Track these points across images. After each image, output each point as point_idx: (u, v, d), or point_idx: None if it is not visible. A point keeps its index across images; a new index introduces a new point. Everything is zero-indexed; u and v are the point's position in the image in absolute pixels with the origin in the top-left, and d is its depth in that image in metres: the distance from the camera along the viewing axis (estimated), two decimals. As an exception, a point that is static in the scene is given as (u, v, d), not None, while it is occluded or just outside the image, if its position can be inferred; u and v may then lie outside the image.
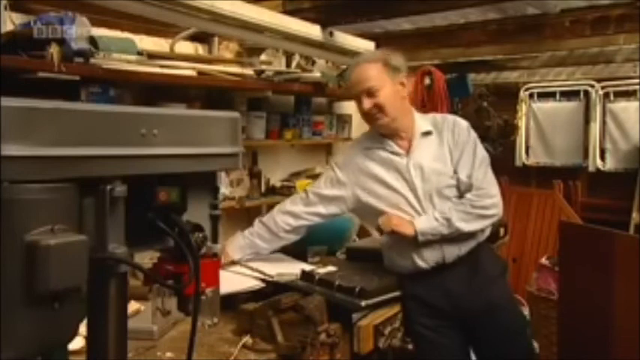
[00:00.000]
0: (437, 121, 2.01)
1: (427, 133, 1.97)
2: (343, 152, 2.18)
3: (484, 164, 1.98)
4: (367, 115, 1.95)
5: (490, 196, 1.94)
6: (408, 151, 1.96)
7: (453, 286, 1.92)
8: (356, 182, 2.00)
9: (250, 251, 2.08)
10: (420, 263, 1.93)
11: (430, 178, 1.92)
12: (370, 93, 1.90)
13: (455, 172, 1.93)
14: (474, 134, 2.01)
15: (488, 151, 4.02)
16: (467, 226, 1.89)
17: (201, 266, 0.89)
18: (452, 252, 1.93)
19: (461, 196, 1.93)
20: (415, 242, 1.90)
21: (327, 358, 1.70)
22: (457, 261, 1.93)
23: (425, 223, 1.89)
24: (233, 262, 2.08)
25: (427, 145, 1.97)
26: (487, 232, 2.04)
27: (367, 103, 1.91)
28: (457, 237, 1.92)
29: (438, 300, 1.92)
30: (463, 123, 2.02)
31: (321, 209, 2.05)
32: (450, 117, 2.05)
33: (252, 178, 2.82)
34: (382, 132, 1.99)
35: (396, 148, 1.97)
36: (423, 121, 2.01)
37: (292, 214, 2.07)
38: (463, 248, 1.94)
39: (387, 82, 1.91)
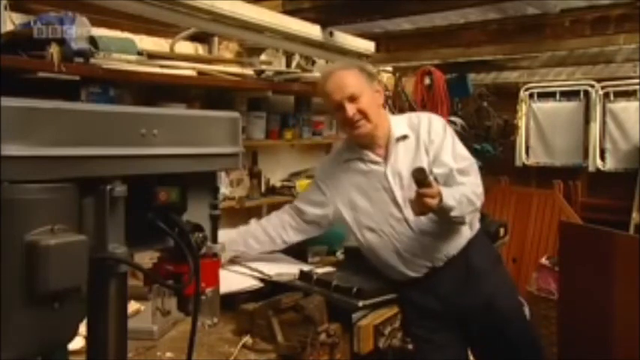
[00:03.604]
0: (412, 122, 1.96)
1: (403, 137, 1.93)
2: (323, 165, 2.14)
3: (467, 159, 1.93)
4: (349, 123, 1.88)
5: (479, 185, 1.90)
6: (385, 158, 1.93)
7: (446, 289, 1.90)
8: (339, 199, 1.99)
9: (240, 248, 2.07)
10: (409, 273, 1.92)
11: (410, 184, 1.85)
12: (352, 99, 1.85)
13: (431, 171, 1.86)
14: (450, 131, 1.96)
15: (488, 151, 4.07)
16: (458, 211, 1.78)
17: (201, 266, 0.89)
18: (440, 256, 1.90)
19: None
20: (399, 256, 1.89)
21: (327, 358, 1.70)
22: (449, 262, 1.91)
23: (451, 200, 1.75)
24: (233, 262, 2.08)
25: (404, 149, 1.92)
26: (476, 228, 1.99)
27: (351, 109, 1.85)
28: (443, 238, 1.89)
29: (432, 303, 1.91)
30: (439, 121, 1.97)
31: (317, 228, 2.08)
32: (425, 116, 1.99)
33: (252, 178, 2.82)
34: (359, 142, 1.95)
35: (373, 157, 1.94)
36: (398, 125, 1.96)
37: (293, 227, 2.08)
38: (452, 249, 1.91)
39: (366, 89, 1.88)
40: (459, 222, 1.85)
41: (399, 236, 1.89)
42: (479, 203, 1.89)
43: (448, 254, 1.91)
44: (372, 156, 1.95)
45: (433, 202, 1.66)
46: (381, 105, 1.95)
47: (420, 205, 1.68)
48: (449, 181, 1.87)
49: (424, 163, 1.87)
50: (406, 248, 1.90)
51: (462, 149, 1.96)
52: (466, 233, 1.94)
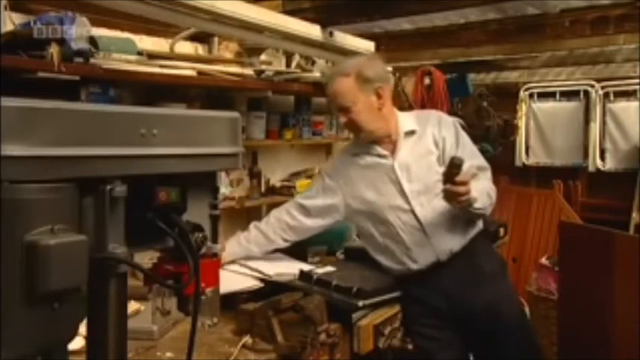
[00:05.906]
0: (420, 118, 2.03)
1: (411, 132, 1.98)
2: (333, 160, 2.23)
3: (479, 157, 2.01)
4: (346, 128, 2.00)
5: (491, 180, 1.98)
6: (393, 152, 1.97)
7: (449, 286, 1.91)
8: (347, 190, 2.02)
9: (243, 257, 2.10)
10: (413, 265, 1.93)
11: (418, 176, 1.92)
12: (343, 110, 1.92)
13: (443, 161, 1.90)
14: (460, 129, 2.01)
15: (488, 151, 4.07)
16: (480, 203, 1.82)
17: (201, 266, 0.89)
18: (444, 249, 1.91)
19: None
20: (405, 247, 1.91)
21: (327, 358, 1.70)
22: (452, 258, 1.92)
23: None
24: (232, 262, 2.08)
25: (412, 143, 1.97)
26: (479, 226, 2.01)
27: (342, 118, 1.95)
28: (447, 231, 1.91)
29: (435, 300, 1.92)
30: (449, 118, 2.04)
31: (321, 221, 2.09)
32: (434, 112, 2.07)
33: (252, 178, 2.82)
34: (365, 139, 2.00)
35: (381, 151, 1.98)
36: (406, 121, 2.01)
37: (292, 227, 2.09)
38: (456, 244, 1.92)
39: (360, 97, 1.90)
40: (481, 214, 1.90)
41: (406, 227, 1.92)
42: (494, 198, 1.93)
43: (453, 249, 1.92)
44: (379, 150, 1.99)
45: (464, 189, 1.70)
46: (382, 107, 1.94)
47: (451, 195, 1.72)
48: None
49: (433, 157, 1.94)
50: (412, 239, 1.92)
51: (473, 147, 2.02)
52: (469, 230, 1.96)
